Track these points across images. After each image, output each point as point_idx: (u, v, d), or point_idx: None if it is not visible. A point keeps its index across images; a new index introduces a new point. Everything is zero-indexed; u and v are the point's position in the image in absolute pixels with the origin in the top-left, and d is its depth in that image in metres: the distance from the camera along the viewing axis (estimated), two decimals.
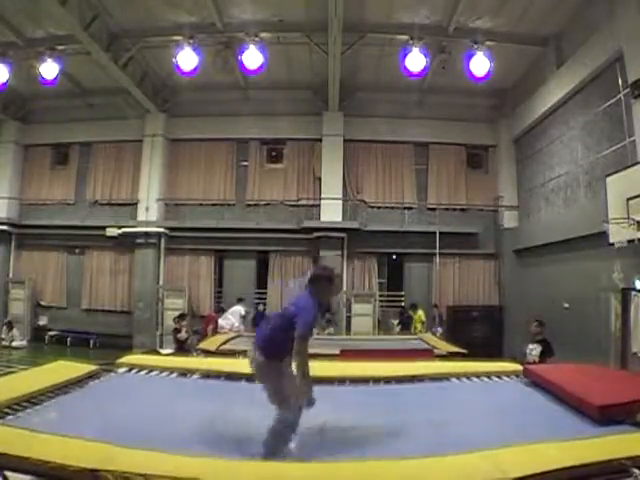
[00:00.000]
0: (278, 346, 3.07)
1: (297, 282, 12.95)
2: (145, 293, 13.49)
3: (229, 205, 14.10)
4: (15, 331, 13.31)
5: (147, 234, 13.52)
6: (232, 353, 6.66)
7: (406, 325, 12.27)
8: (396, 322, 12.67)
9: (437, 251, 12.98)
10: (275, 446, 2.84)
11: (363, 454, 2.55)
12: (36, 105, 14.70)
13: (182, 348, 9.30)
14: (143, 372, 4.31)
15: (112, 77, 11.90)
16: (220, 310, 11.40)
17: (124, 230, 13.50)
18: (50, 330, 14.01)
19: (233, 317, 10.81)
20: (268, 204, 13.91)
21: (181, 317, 10.81)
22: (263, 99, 13.80)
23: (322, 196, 13.35)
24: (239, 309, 11.08)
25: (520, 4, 9.80)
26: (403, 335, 10.70)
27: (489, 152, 14.10)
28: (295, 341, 3.03)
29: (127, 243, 13.63)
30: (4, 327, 13.39)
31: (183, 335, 9.54)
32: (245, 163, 14.27)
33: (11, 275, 14.60)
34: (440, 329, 11.80)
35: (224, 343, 7.51)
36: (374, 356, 6.68)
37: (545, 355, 6.61)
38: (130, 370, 4.31)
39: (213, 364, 4.73)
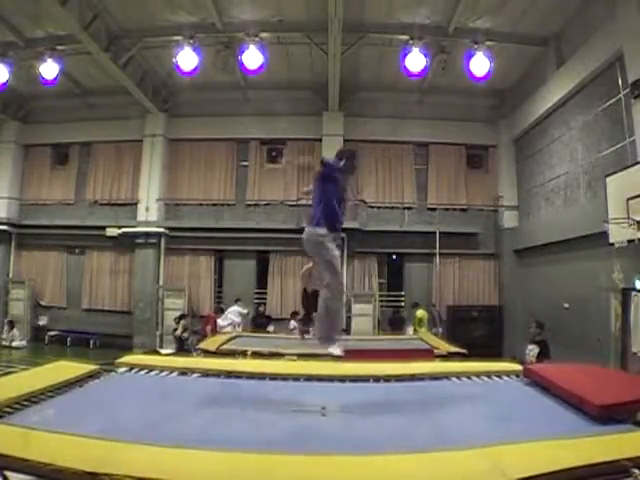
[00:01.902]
0: (324, 214, 3.72)
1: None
2: (145, 293, 13.49)
3: (229, 205, 14.11)
4: (15, 331, 13.32)
5: (147, 234, 13.53)
6: (232, 353, 6.66)
7: (397, 326, 12.21)
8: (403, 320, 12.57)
9: (437, 251, 12.98)
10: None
11: (362, 451, 2.54)
12: (36, 105, 14.71)
13: (182, 347, 9.36)
14: (143, 372, 4.30)
15: (112, 77, 11.91)
16: (219, 310, 11.43)
17: (124, 230, 13.50)
18: (50, 330, 14.01)
19: (233, 316, 10.85)
20: (268, 204, 13.91)
21: (180, 317, 10.86)
22: (263, 99, 13.80)
23: None
24: (237, 309, 11.12)
25: (520, 4, 9.80)
26: (400, 335, 10.67)
27: (489, 152, 14.11)
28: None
29: (127, 243, 13.63)
30: (4, 327, 13.40)
31: (180, 332, 9.59)
32: (245, 163, 14.27)
33: (11, 275, 14.60)
34: (440, 329, 11.79)
35: (224, 343, 7.50)
36: (374, 356, 6.67)
37: (542, 356, 6.64)
38: (130, 370, 4.30)
39: (213, 364, 4.73)
